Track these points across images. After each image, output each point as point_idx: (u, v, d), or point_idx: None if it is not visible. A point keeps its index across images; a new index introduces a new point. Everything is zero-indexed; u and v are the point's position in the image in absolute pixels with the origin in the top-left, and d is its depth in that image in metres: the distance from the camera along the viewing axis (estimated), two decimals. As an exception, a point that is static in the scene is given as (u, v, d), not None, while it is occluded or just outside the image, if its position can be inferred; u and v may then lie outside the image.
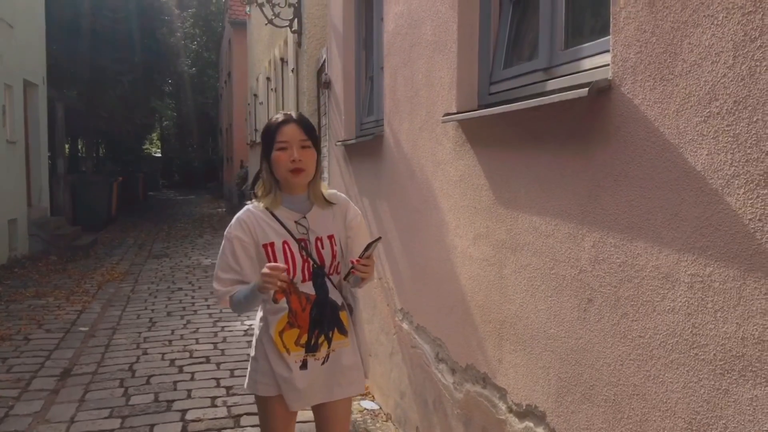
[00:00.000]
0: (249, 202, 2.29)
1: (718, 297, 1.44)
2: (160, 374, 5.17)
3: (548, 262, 2.16)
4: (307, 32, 7.34)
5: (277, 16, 7.28)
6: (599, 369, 1.87)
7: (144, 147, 36.12)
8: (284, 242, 2.18)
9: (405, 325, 3.85)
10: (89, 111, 17.06)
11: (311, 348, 2.24)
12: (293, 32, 7.73)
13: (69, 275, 9.63)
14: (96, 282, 9.13)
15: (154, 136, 40.30)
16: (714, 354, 1.45)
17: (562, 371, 2.07)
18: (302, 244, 2.21)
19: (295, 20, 7.55)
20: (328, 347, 2.26)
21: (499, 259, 2.53)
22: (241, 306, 2.22)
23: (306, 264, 2.21)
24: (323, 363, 2.27)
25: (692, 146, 1.50)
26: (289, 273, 2.12)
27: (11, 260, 10.27)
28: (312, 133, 2.22)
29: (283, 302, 2.18)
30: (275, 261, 2.14)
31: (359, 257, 2.10)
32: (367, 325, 4.57)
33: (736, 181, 1.38)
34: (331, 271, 2.27)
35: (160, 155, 40.63)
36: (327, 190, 2.34)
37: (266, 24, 7.79)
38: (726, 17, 1.39)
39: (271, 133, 2.21)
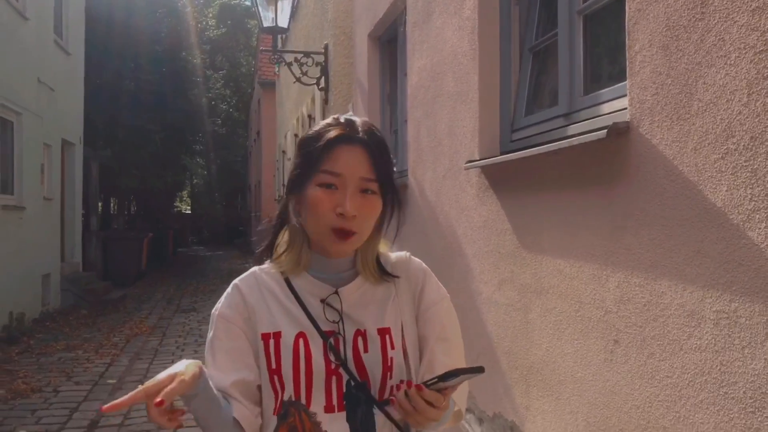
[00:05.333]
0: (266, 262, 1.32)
1: (744, 333, 1.42)
2: (186, 427, 5.14)
3: (574, 305, 2.15)
4: (334, 89, 7.57)
5: (304, 74, 7.52)
6: (628, 412, 1.84)
7: (175, 204, 36.93)
8: (299, 335, 1.19)
9: (431, 375, 3.81)
10: (122, 169, 17.60)
11: None
12: (320, 89, 7.98)
13: (98, 329, 9.73)
14: (124, 335, 9.20)
15: (185, 193, 41.22)
16: (744, 392, 1.42)
17: (591, 416, 2.04)
18: (331, 341, 1.18)
19: (322, 78, 7.80)
20: None
21: (524, 304, 2.52)
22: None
23: (335, 378, 1.18)
24: None
25: (711, 183, 1.51)
26: (300, 395, 1.17)
27: (43, 314, 10.44)
28: (384, 169, 1.20)
29: None
30: (277, 364, 1.18)
31: (424, 383, 1.08)
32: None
33: (757, 216, 1.39)
34: (384, 395, 1.19)
35: (189, 212, 41.48)
36: (391, 251, 1.33)
37: (294, 82, 8.04)
38: (738, 57, 1.43)
39: (316, 150, 1.18)
